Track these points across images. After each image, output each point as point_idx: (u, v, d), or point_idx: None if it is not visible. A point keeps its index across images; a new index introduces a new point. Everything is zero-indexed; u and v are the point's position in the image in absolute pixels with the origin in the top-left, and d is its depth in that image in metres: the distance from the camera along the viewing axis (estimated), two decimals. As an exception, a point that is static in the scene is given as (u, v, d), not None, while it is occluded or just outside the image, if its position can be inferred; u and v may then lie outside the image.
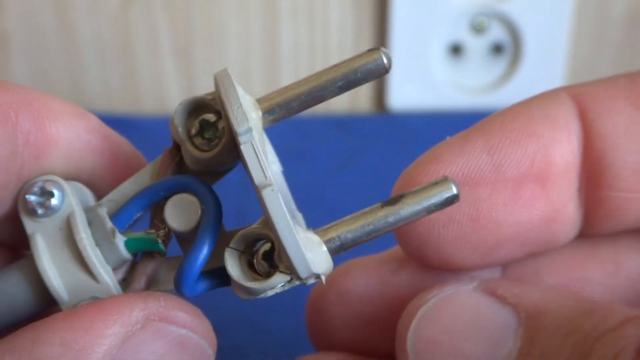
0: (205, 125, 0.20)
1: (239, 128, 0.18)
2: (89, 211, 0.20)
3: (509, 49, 0.52)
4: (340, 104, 0.54)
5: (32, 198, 0.20)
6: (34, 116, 0.20)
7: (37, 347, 0.17)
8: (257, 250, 0.19)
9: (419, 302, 0.21)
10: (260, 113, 0.20)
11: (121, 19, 0.51)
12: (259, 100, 0.20)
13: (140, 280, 0.20)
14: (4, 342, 0.17)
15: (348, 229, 0.19)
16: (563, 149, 0.21)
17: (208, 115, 0.20)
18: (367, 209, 0.20)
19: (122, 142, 0.22)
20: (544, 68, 0.52)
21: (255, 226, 0.19)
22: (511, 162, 0.21)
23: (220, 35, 0.52)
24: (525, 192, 0.21)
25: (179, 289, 0.19)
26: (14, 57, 0.52)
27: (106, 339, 0.17)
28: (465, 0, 0.50)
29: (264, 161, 0.18)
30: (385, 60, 0.19)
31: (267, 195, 0.18)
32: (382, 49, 0.19)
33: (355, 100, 0.54)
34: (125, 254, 0.20)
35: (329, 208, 0.39)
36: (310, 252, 0.18)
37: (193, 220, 0.20)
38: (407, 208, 0.19)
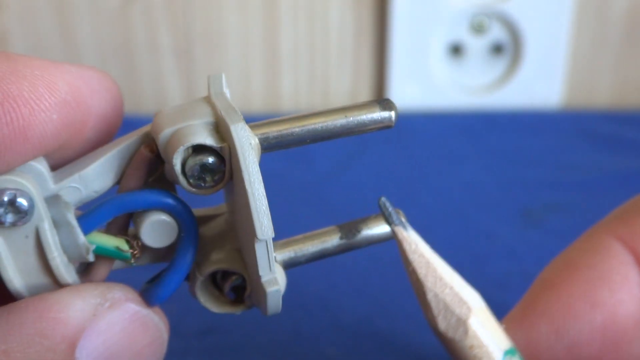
0: (203, 168, 0.19)
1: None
2: (50, 201, 0.19)
3: (509, 49, 0.52)
4: (339, 103, 0.54)
5: None
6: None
7: (13, 316, 0.18)
8: (226, 280, 0.21)
9: None
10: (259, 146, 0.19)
11: (121, 19, 0.51)
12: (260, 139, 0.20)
13: (101, 274, 0.20)
14: None
15: (304, 247, 0.21)
16: (629, 308, 0.20)
17: (206, 158, 0.19)
18: (323, 230, 0.21)
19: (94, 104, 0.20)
20: (544, 68, 0.52)
21: (227, 263, 0.20)
22: (583, 342, 0.20)
23: (220, 35, 0.52)
24: None
25: (149, 302, 0.20)
26: (14, 57, 0.52)
27: (77, 311, 0.18)
28: (465, 0, 0.50)
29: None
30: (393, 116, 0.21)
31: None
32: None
33: (355, 100, 0.54)
34: (91, 258, 0.19)
35: (329, 208, 0.39)
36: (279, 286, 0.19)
37: (168, 240, 0.20)
38: (358, 237, 0.21)
